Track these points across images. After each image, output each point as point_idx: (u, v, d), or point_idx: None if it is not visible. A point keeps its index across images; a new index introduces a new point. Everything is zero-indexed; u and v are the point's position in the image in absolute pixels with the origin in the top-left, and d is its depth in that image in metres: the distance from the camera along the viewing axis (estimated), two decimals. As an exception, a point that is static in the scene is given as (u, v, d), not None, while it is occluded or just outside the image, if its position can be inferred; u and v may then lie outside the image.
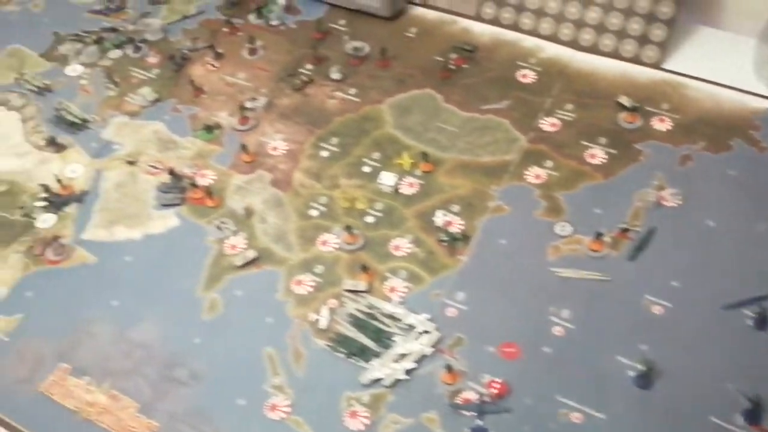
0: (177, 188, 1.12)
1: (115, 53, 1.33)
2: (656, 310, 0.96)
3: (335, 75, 1.26)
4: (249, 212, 1.09)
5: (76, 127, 1.22)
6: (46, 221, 1.10)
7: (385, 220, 1.08)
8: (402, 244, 1.05)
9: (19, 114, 1.25)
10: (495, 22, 1.33)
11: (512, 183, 1.10)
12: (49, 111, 1.25)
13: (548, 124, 1.17)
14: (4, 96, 1.27)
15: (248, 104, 1.23)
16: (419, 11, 1.37)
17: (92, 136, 1.21)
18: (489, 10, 1.33)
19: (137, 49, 1.33)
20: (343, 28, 1.35)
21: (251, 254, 1.03)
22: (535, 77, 1.24)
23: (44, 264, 1.05)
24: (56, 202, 1.11)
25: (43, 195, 1.11)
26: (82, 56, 1.32)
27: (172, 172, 1.12)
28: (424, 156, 1.12)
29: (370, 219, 1.08)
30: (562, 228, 1.05)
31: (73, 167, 1.16)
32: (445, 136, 1.17)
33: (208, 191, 1.10)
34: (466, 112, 1.20)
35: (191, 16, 1.39)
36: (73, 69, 1.31)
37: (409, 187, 1.11)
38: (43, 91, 1.28)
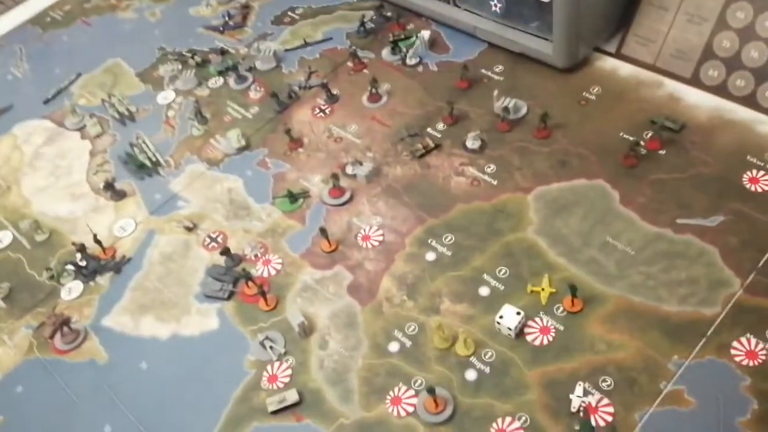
0: (228, 276, 0.84)
1: (216, 82, 1.09)
2: None
3: (472, 143, 0.92)
4: (307, 330, 0.78)
5: (145, 170, 0.99)
6: (71, 291, 0.87)
7: (492, 382, 0.71)
8: (511, 429, 0.68)
9: (90, 145, 1.05)
10: (721, 91, 0.90)
11: (708, 356, 0.69)
12: (124, 145, 1.03)
13: (784, 265, 0.74)
14: (83, 120, 1.07)
15: (349, 169, 0.92)
16: (609, 64, 0.98)
17: (159, 185, 0.97)
18: (714, 72, 0.91)
19: (241, 78, 1.08)
20: (497, 77, 1.00)
21: (292, 397, 0.73)
22: (772, 184, 0.81)
23: (50, 351, 0.82)
24: (89, 268, 0.88)
25: (78, 256, 0.89)
26: (179, 81, 1.10)
27: (227, 253, 0.85)
28: (572, 288, 0.74)
29: (471, 374, 0.72)
30: (785, 460, 0.62)
31: (124, 223, 0.93)
32: (614, 258, 0.78)
33: (263, 289, 0.81)
34: (652, 225, 0.80)
35: (314, 43, 1.11)
36: (165, 96, 1.09)
37: (542, 333, 0.74)
38: (125, 118, 1.07)
